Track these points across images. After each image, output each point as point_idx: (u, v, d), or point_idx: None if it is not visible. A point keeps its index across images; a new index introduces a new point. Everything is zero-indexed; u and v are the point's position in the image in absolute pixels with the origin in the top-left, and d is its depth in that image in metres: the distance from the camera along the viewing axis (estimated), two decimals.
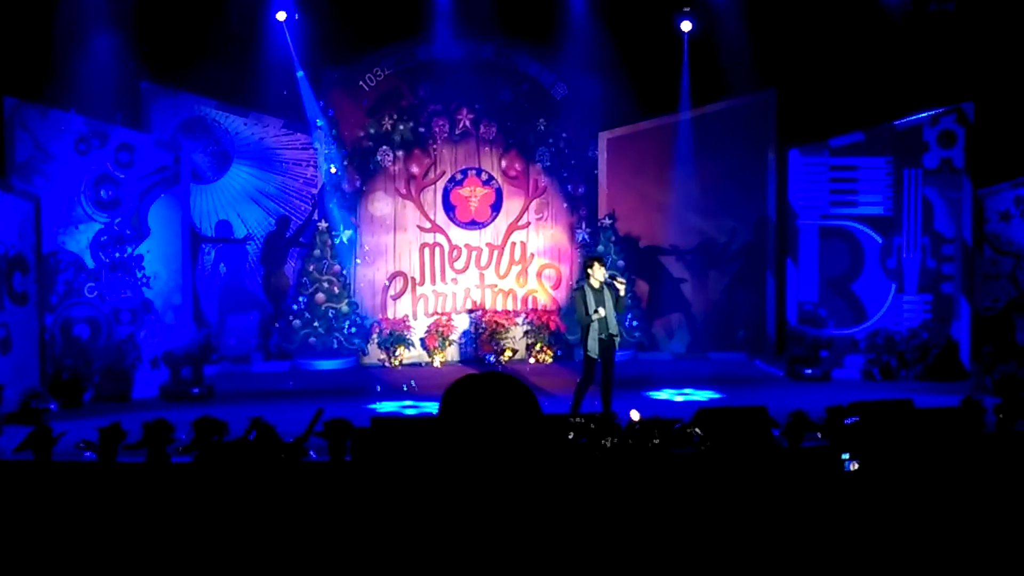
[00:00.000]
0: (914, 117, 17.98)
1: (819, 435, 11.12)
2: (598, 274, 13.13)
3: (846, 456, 9.96)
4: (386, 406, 14.91)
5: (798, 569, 6.45)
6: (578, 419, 11.22)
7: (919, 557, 6.36)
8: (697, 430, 10.89)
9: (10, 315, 14.48)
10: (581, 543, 3.03)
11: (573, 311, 13.87)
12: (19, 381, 14.38)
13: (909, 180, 18.04)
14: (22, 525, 8.27)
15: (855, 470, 9.77)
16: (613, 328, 13.14)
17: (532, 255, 20.25)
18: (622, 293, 13.17)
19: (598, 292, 13.07)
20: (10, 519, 8.43)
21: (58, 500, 9.05)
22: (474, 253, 20.04)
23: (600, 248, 19.22)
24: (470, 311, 19.83)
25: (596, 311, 12.89)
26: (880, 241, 18.15)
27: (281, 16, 18.22)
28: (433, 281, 19.92)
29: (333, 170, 19.14)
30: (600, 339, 13.05)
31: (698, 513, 8.18)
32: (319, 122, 19.00)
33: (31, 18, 15.68)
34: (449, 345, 19.58)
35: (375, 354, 19.20)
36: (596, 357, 13.07)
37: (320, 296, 18.83)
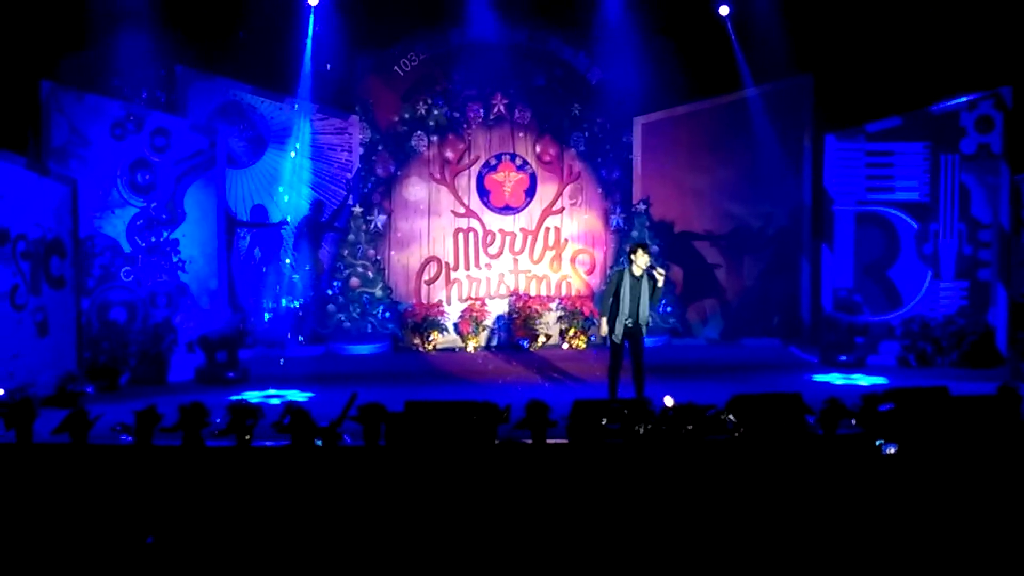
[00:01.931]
0: (951, 102, 17.86)
1: (854, 422, 11.07)
2: (640, 261, 13.16)
3: (880, 442, 9.95)
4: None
5: (832, 555, 6.43)
6: (612, 404, 11.23)
7: (954, 542, 6.34)
8: (731, 417, 10.86)
9: (47, 299, 14.59)
10: (611, 527, 3.04)
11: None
12: (56, 364, 14.50)
13: (946, 165, 17.92)
14: (60, 506, 8.35)
15: (892, 454, 9.75)
16: (644, 316, 13.19)
17: (566, 240, 20.22)
18: (659, 284, 13.18)
19: (637, 280, 13.11)
20: (48, 500, 8.52)
21: (95, 482, 9.13)
22: (508, 238, 20.01)
23: (634, 233, 19.19)
24: (504, 296, 19.82)
25: (608, 325, 13.21)
26: (916, 227, 18.05)
27: (314, 1, 18.21)
28: (467, 266, 19.91)
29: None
30: (626, 325, 13.12)
31: (732, 499, 8.16)
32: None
33: (67, 2, 15.76)
34: (483, 330, 19.57)
35: (409, 339, 19.19)
36: (619, 342, 13.17)
37: (355, 281, 18.89)
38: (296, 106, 18.98)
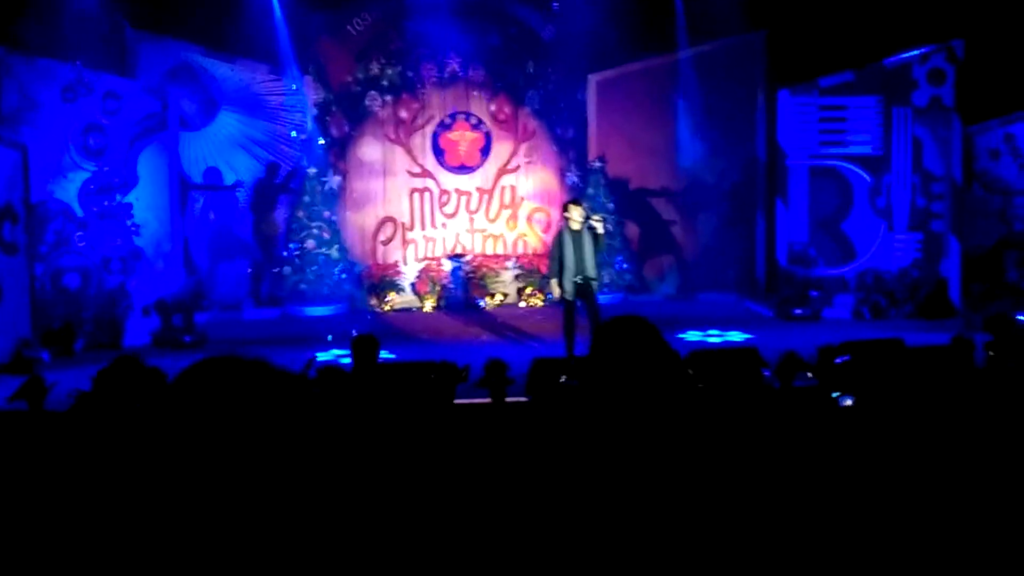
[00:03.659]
0: (903, 55, 17.93)
1: (809, 375, 11.16)
2: (575, 216, 13.09)
3: (837, 394, 10.03)
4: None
5: (790, 509, 6.49)
6: (571, 362, 11.27)
7: (912, 493, 6.40)
8: (689, 371, 10.93)
9: (0, 265, 14.47)
10: (570, 483, 3.05)
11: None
12: (11, 331, 14.39)
13: (898, 119, 18.00)
14: (19, 475, 8.30)
15: (849, 406, 9.83)
16: (591, 271, 13.12)
17: (522, 199, 20.22)
18: (599, 231, 13.12)
19: (577, 234, 13.04)
20: (7, 469, 8.46)
21: (53, 449, 9.08)
22: (463, 198, 20.00)
23: (590, 191, 19.18)
24: (460, 255, 19.80)
25: (558, 284, 13.12)
26: (870, 180, 18.15)
27: None
28: (423, 226, 19.89)
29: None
30: (575, 282, 13.07)
31: (690, 452, 8.23)
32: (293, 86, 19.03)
33: None
34: (439, 290, 19.54)
35: (366, 300, 19.15)
36: (572, 299, 13.15)
37: (310, 242, 18.81)
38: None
